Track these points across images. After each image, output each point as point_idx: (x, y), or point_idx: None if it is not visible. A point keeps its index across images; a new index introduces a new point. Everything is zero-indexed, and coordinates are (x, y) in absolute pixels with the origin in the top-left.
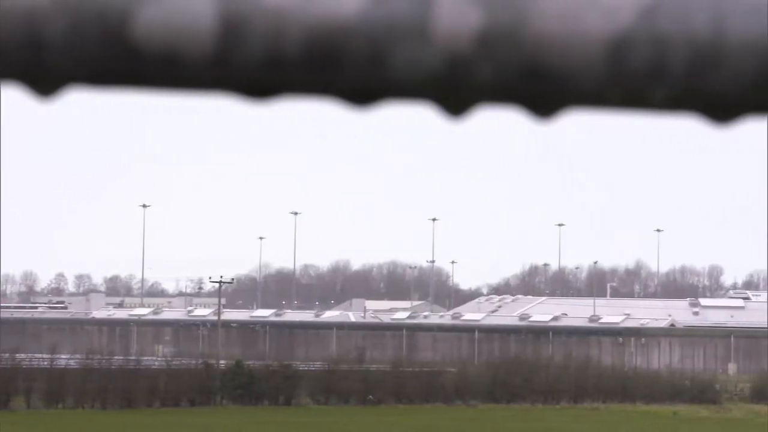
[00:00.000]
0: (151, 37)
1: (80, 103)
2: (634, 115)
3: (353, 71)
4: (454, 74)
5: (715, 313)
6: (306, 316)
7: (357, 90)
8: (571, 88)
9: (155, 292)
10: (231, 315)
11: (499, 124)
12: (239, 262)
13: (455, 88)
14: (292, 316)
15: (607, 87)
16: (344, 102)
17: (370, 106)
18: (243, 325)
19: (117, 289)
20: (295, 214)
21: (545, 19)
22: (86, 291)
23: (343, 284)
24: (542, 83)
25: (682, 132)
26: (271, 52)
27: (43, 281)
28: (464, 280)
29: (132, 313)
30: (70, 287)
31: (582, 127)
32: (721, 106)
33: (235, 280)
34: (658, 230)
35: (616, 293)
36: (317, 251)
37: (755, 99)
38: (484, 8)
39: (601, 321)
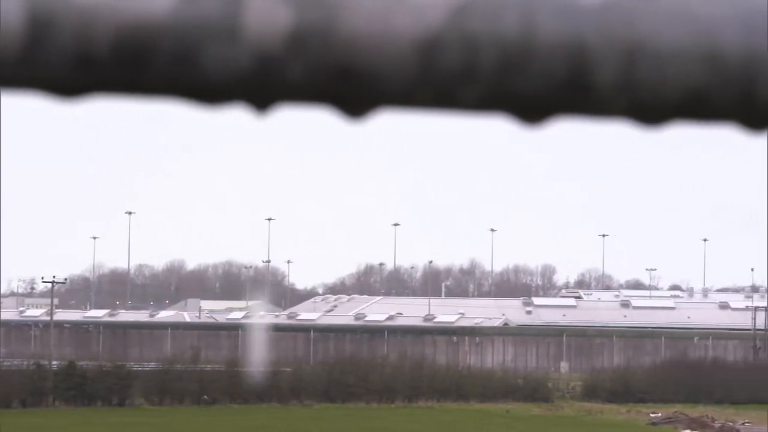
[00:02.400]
0: None
1: None
2: (445, 115)
3: (163, 70)
4: (264, 73)
5: (547, 312)
6: (140, 316)
7: (167, 89)
8: (381, 87)
9: None
10: (64, 315)
11: (330, 123)
12: (72, 262)
13: (265, 87)
14: (126, 316)
15: (418, 87)
16: (156, 100)
17: (183, 105)
18: (76, 325)
19: None
20: (130, 213)
21: (355, 18)
22: None
23: (178, 284)
24: (353, 83)
25: (513, 131)
26: (80, 50)
27: None
28: (300, 280)
29: None
30: None
31: (415, 125)
32: (531, 107)
33: (68, 280)
34: (492, 230)
35: (451, 292)
36: (152, 251)
37: (564, 99)
38: (295, 8)
39: (436, 320)
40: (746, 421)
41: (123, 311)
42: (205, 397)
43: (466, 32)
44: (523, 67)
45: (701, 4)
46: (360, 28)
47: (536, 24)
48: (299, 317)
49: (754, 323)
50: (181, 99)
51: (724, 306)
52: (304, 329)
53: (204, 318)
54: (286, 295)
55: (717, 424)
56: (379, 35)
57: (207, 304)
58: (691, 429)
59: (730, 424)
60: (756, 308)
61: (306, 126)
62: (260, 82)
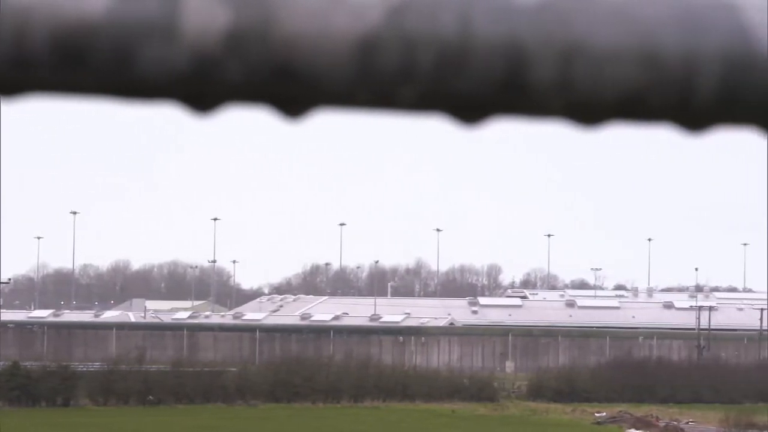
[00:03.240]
0: None
1: None
2: (384, 115)
3: (100, 70)
4: (202, 73)
5: (493, 311)
6: (85, 316)
7: (104, 88)
8: (320, 87)
9: None
10: (8, 316)
11: (276, 123)
12: (16, 262)
13: (203, 88)
14: (70, 316)
15: (356, 87)
16: (94, 100)
17: (121, 103)
18: (20, 325)
19: None
20: (74, 213)
21: (293, 18)
22: None
23: (123, 284)
24: (291, 83)
25: (457, 131)
26: (17, 50)
27: None
28: (246, 280)
29: None
30: None
31: (360, 124)
32: (469, 107)
33: (12, 281)
34: (437, 230)
35: (397, 292)
36: (96, 251)
37: (501, 99)
38: (233, 8)
39: (382, 320)
40: (690, 420)
41: (68, 311)
42: (150, 397)
43: (404, 32)
44: (460, 67)
45: (638, 4)
46: (298, 28)
47: (473, 24)
48: (245, 317)
49: (698, 323)
50: (118, 98)
51: (668, 306)
52: (250, 329)
53: (149, 318)
54: (231, 295)
55: (661, 424)
56: (318, 35)
57: (152, 304)
58: (636, 428)
59: (675, 423)
60: (700, 308)
61: (252, 125)
62: (198, 82)
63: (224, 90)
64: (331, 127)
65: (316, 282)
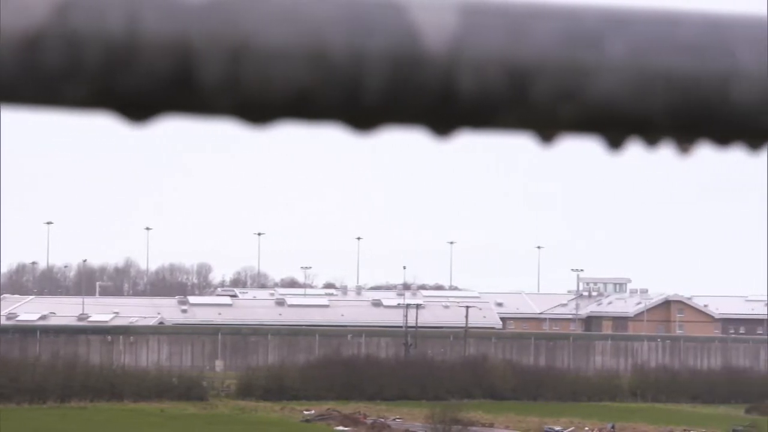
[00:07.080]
0: None
1: None
2: (51, 112)
3: None
4: None
5: (203, 310)
6: None
7: None
8: None
9: None
10: None
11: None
12: None
13: None
14: None
15: (20, 83)
16: None
17: None
18: None
19: None
20: None
21: None
22: None
23: None
24: None
25: (167, 129)
26: None
27: None
28: None
29: None
30: None
31: (67, 117)
32: (136, 105)
33: None
34: (147, 228)
35: (106, 291)
36: None
37: (169, 98)
38: None
39: (90, 319)
40: (397, 417)
41: None
42: None
43: (70, 29)
44: (127, 65)
45: (306, 4)
46: None
47: (141, 22)
48: None
49: (406, 320)
50: None
51: (377, 304)
52: None
53: None
54: None
55: (369, 421)
56: None
57: None
58: (344, 426)
59: (382, 420)
60: (407, 306)
61: None
62: None
63: None
64: (38, 122)
65: (22, 281)
